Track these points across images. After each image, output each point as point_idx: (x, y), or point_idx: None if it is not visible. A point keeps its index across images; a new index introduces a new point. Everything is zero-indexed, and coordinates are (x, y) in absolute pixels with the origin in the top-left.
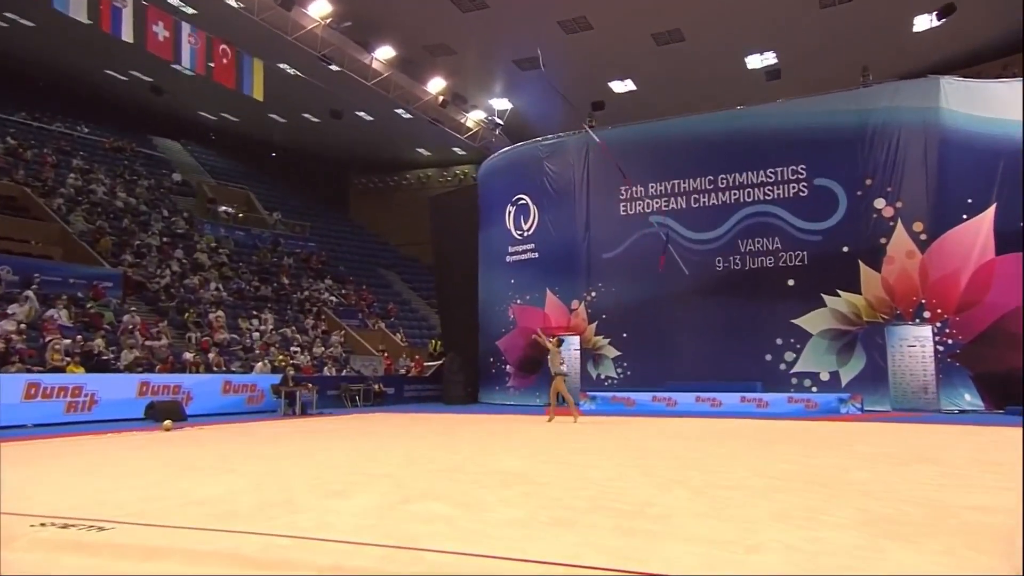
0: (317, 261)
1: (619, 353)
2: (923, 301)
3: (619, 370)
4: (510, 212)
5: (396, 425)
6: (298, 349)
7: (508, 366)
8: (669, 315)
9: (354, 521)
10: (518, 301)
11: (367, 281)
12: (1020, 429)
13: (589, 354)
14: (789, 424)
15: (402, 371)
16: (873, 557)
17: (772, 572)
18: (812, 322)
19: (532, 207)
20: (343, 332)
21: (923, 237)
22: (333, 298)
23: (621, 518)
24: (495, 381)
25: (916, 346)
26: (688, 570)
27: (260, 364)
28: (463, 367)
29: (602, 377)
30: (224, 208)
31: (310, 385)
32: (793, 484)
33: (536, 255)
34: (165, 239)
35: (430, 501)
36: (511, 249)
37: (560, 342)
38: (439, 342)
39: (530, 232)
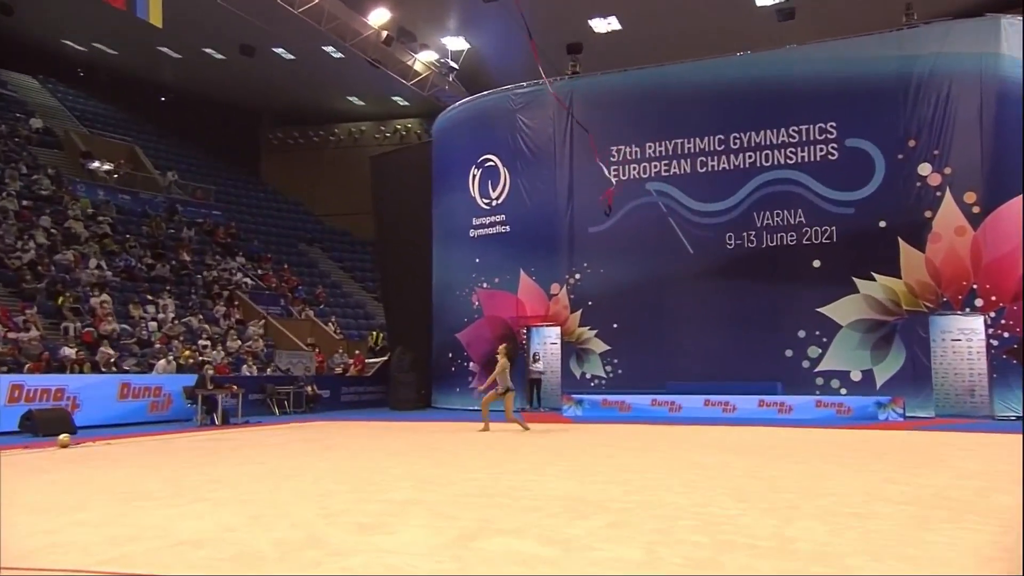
0: (225, 234)
1: (608, 348)
2: (975, 286)
3: (608, 368)
4: (474, 176)
5: (355, 436)
6: (208, 343)
7: (471, 363)
8: (669, 302)
9: (427, 565)
10: (484, 285)
11: (288, 259)
12: None
13: (572, 349)
14: (831, 433)
15: (337, 370)
16: None
17: None
18: (842, 311)
19: (502, 170)
20: (263, 322)
21: (976, 210)
22: (248, 280)
23: (773, 558)
24: (455, 382)
25: (961, 340)
26: None
27: (163, 362)
28: (414, 365)
29: (588, 376)
30: (102, 164)
31: (235, 387)
32: (939, 512)
33: (507, 229)
34: (25, 203)
35: (504, 536)
36: (476, 221)
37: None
38: (381, 334)
39: (500, 201)
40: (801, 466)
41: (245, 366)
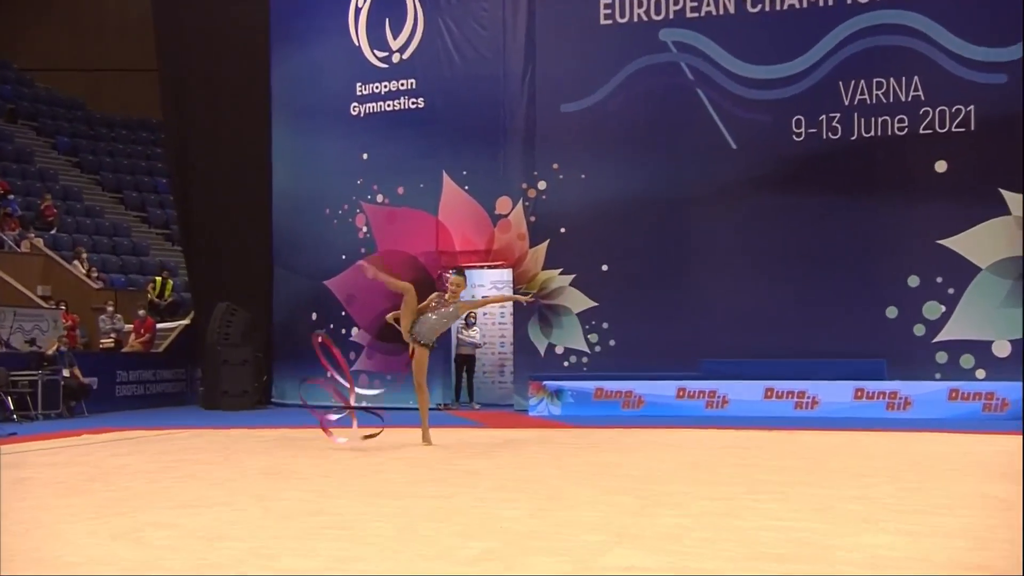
0: None
1: (593, 304)
2: None
3: (594, 337)
4: (359, 10)
5: (282, 458)
6: None
7: (354, 330)
8: (698, 230)
9: None
10: (380, 198)
11: None
12: None
13: (533, 305)
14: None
15: (105, 342)
16: None
17: None
18: (980, 244)
19: (411, 3)
20: None
21: None
22: None
23: None
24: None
25: None
26: None
27: None
28: (250, 334)
29: (559, 351)
30: None
31: None
32: None
33: (419, 102)
34: None
35: None
36: (362, 90)
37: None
38: (169, 280)
39: (406, 55)
40: None
41: None
